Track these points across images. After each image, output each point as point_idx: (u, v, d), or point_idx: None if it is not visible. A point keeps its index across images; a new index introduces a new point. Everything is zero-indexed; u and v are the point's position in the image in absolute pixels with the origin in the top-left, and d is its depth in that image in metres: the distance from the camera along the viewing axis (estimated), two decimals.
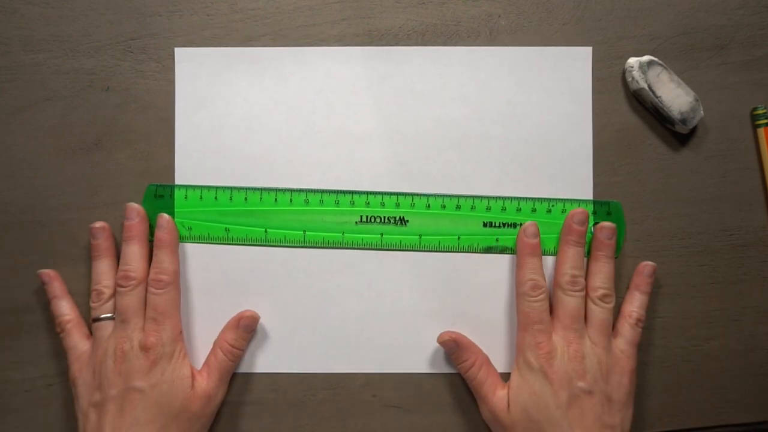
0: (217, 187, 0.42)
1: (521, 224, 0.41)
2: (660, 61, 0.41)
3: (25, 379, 0.42)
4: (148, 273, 0.40)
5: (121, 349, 0.38)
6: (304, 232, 0.42)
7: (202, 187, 0.42)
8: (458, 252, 0.42)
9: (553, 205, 0.42)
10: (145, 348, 0.38)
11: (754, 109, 0.42)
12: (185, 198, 0.42)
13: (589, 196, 0.42)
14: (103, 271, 0.40)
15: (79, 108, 0.42)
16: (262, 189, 0.42)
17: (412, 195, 0.42)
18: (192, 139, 0.42)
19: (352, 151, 0.42)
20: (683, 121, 0.41)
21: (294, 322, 0.42)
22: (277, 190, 0.42)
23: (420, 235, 0.42)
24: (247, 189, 0.42)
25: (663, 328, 0.42)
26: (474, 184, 0.42)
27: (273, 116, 0.42)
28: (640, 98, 0.42)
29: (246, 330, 0.40)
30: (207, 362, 0.40)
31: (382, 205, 0.42)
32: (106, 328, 0.39)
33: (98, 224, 0.40)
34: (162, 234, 0.40)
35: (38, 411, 0.42)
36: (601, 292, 0.39)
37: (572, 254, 0.40)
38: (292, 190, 0.42)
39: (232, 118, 0.42)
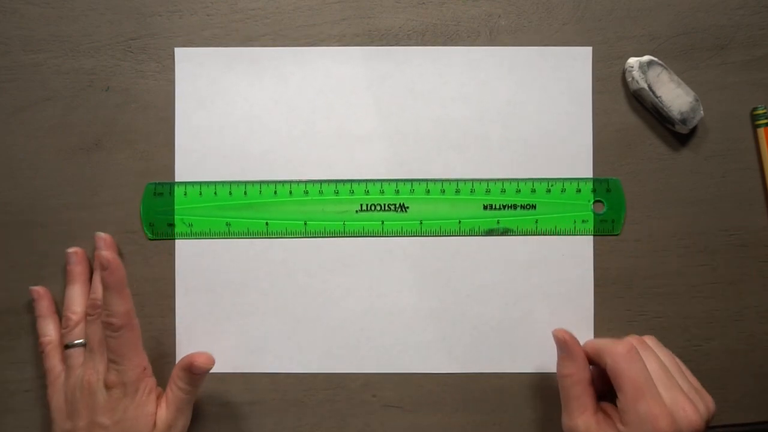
0: (216, 182, 0.42)
1: (521, 205, 0.41)
2: (660, 61, 0.41)
3: (25, 379, 0.42)
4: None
5: (88, 382, 0.37)
6: (305, 223, 0.42)
7: (201, 183, 0.42)
8: (460, 236, 0.42)
9: (552, 185, 0.42)
10: (108, 386, 0.37)
11: (754, 109, 0.42)
12: (184, 195, 0.42)
13: (589, 196, 0.42)
14: (74, 296, 0.40)
15: (79, 108, 0.42)
16: (261, 182, 0.42)
17: (411, 181, 0.42)
18: (192, 139, 0.42)
19: (352, 151, 0.42)
20: (683, 121, 0.41)
21: (294, 322, 0.42)
22: (276, 182, 0.42)
23: (421, 221, 0.42)
24: (246, 182, 0.42)
25: (663, 328, 0.42)
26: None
27: (273, 116, 0.42)
28: (640, 98, 0.42)
29: (197, 374, 0.38)
30: (165, 395, 0.39)
31: (382, 192, 0.42)
32: (76, 357, 0.39)
33: (71, 249, 0.41)
34: (106, 275, 0.37)
35: (38, 411, 0.42)
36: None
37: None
38: (291, 182, 0.42)
39: (232, 118, 0.42)
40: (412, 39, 0.42)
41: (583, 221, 0.42)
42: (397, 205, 0.42)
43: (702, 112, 0.41)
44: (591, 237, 0.42)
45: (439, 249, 0.42)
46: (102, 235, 0.41)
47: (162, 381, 0.39)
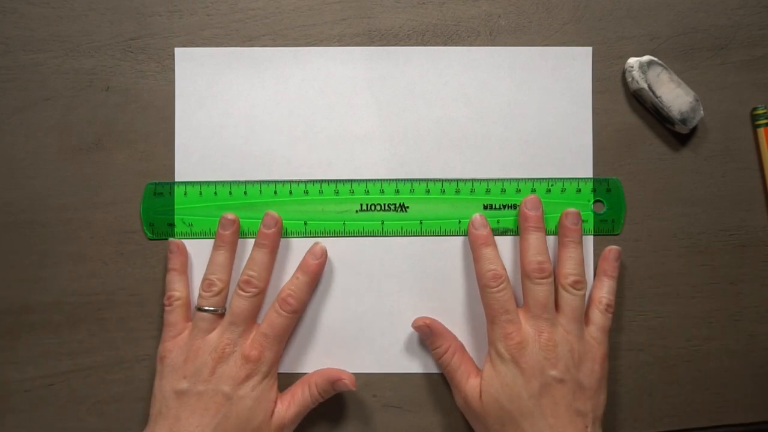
0: (216, 182, 0.42)
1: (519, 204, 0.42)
2: (660, 61, 0.41)
3: (25, 379, 0.42)
4: (268, 283, 0.40)
5: (222, 350, 0.38)
6: (305, 223, 0.42)
7: (201, 183, 0.42)
8: (460, 236, 0.42)
9: (552, 185, 0.42)
10: (246, 358, 0.38)
11: (754, 109, 0.42)
12: (184, 195, 0.42)
13: (589, 196, 0.42)
14: (221, 263, 0.40)
15: (79, 108, 0.42)
16: (261, 182, 0.42)
17: (411, 181, 0.42)
18: (192, 139, 0.42)
19: (352, 151, 0.42)
20: (683, 121, 0.41)
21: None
22: (276, 182, 0.42)
23: (421, 221, 0.42)
24: (246, 182, 0.42)
25: (663, 328, 0.42)
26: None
27: (273, 116, 0.42)
28: (640, 98, 0.42)
29: (337, 390, 0.40)
30: (293, 393, 0.39)
31: (382, 192, 0.42)
32: (207, 321, 0.39)
33: (230, 216, 0.40)
34: (313, 265, 0.40)
35: (38, 411, 0.42)
36: (572, 278, 0.39)
37: (533, 240, 0.40)
38: (291, 182, 0.42)
39: (232, 118, 0.42)
40: (412, 39, 0.42)
41: (583, 221, 0.42)
42: (397, 205, 0.42)
43: (702, 112, 0.41)
44: (591, 237, 0.42)
45: (439, 249, 0.42)
46: (273, 213, 0.40)
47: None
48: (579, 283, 0.39)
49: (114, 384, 0.42)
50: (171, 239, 0.41)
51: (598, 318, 0.40)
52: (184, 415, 0.37)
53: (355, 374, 0.42)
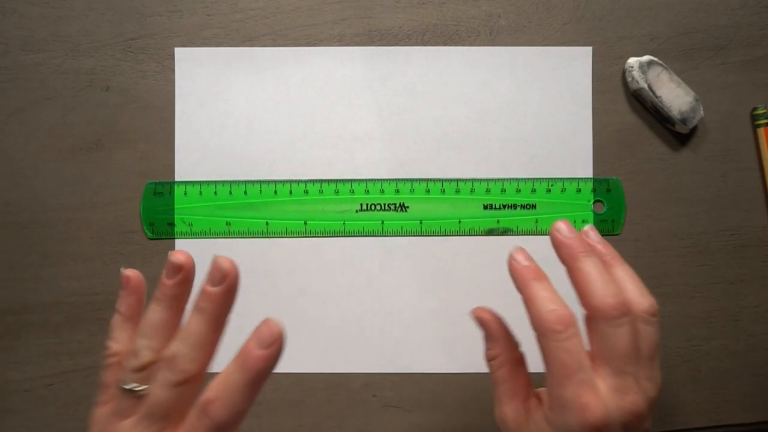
0: (216, 182, 0.42)
1: (521, 205, 0.41)
2: (660, 61, 0.41)
3: (25, 379, 0.42)
4: (205, 369, 0.29)
5: None
6: (305, 222, 0.42)
7: (201, 183, 0.42)
8: (460, 236, 0.42)
9: (552, 185, 0.42)
10: None
11: (754, 109, 0.42)
12: (184, 194, 0.42)
13: (589, 196, 0.42)
14: (155, 325, 0.29)
15: (79, 108, 0.42)
16: (261, 181, 0.42)
17: (411, 181, 0.42)
18: (192, 139, 0.42)
19: (352, 152, 0.42)
20: (683, 121, 0.41)
21: (294, 322, 0.42)
22: (276, 181, 0.42)
23: (421, 221, 0.42)
24: (246, 182, 0.42)
25: (663, 328, 0.42)
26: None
27: (273, 116, 0.42)
28: (640, 98, 0.42)
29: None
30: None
31: (382, 192, 0.42)
32: (127, 400, 0.29)
33: (181, 257, 0.29)
34: (255, 353, 0.29)
35: (38, 411, 0.42)
36: (646, 304, 0.30)
37: (593, 270, 0.30)
38: (291, 181, 0.42)
39: (232, 118, 0.42)
40: (412, 39, 0.42)
41: (583, 221, 0.42)
42: (397, 205, 0.42)
43: (702, 112, 0.41)
44: None
45: (439, 249, 0.42)
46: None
47: None
48: (653, 308, 0.30)
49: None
50: (125, 270, 0.30)
51: (648, 332, 0.30)
52: None
53: (355, 374, 0.42)
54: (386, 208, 0.42)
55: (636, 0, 0.42)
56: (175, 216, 0.42)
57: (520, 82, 0.42)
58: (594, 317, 0.30)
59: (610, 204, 0.42)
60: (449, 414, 0.42)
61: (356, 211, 0.42)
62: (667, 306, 0.42)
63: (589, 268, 0.30)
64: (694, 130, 0.42)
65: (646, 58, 0.41)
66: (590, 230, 0.33)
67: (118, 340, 0.30)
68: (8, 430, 0.42)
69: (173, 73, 0.42)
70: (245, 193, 0.42)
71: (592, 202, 0.42)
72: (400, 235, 0.42)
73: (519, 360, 0.33)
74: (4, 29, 0.42)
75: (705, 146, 0.42)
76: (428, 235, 0.42)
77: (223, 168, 0.42)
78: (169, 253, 0.29)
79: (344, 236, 0.42)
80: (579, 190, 0.42)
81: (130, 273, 0.30)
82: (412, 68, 0.42)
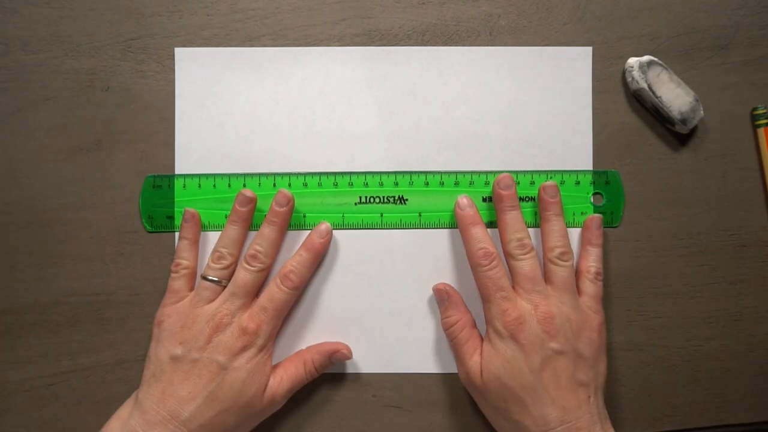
0: (215, 175, 0.42)
1: (521, 197, 0.42)
2: (660, 61, 0.41)
3: (25, 379, 0.42)
4: (274, 261, 0.41)
5: (220, 320, 0.38)
6: (304, 215, 0.42)
7: (200, 176, 0.42)
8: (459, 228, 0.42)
9: (551, 177, 0.42)
10: (243, 330, 0.38)
11: (754, 109, 0.42)
12: (184, 187, 0.42)
13: (588, 189, 0.42)
14: (233, 238, 0.40)
15: (79, 108, 0.42)
16: (260, 174, 0.42)
17: (410, 173, 0.42)
18: (192, 139, 0.42)
19: (352, 152, 0.42)
20: (683, 121, 0.41)
21: (294, 322, 0.42)
22: (275, 174, 0.42)
23: (420, 213, 0.42)
24: (245, 175, 0.42)
25: (663, 328, 0.42)
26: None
27: (273, 116, 0.42)
28: (640, 98, 0.42)
29: (334, 362, 0.41)
30: (286, 368, 0.40)
31: (381, 184, 0.42)
32: (209, 290, 0.39)
33: (249, 193, 0.40)
34: (318, 241, 0.41)
35: (38, 411, 0.42)
36: (558, 250, 0.39)
37: (510, 219, 0.40)
38: (290, 174, 0.42)
39: (232, 118, 0.42)
40: (412, 39, 0.42)
41: (582, 213, 0.42)
42: (396, 198, 0.42)
43: (702, 112, 0.41)
44: None
45: (438, 241, 0.42)
46: (286, 192, 0.40)
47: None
48: (565, 255, 0.39)
49: (114, 384, 0.42)
50: (187, 208, 0.41)
51: (590, 287, 0.40)
52: (177, 380, 0.37)
53: (355, 374, 0.42)
54: (385, 200, 0.42)
55: (636, 0, 0.42)
56: (175, 209, 0.42)
57: (520, 82, 0.42)
58: (506, 255, 0.40)
59: (609, 196, 0.42)
60: (449, 414, 0.42)
61: (355, 203, 0.42)
62: (667, 306, 0.42)
63: (508, 219, 0.40)
64: (694, 130, 0.42)
65: (646, 58, 0.41)
66: (549, 187, 0.41)
67: (187, 258, 0.41)
68: (8, 430, 0.42)
69: (173, 73, 0.42)
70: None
71: (591, 195, 0.42)
72: (399, 228, 0.42)
73: (473, 323, 0.41)
74: (4, 29, 0.42)
75: (705, 146, 0.42)
76: (427, 228, 0.42)
77: (223, 168, 0.42)
78: (241, 190, 0.40)
79: (343, 229, 0.42)
80: (578, 183, 0.42)
81: (193, 210, 0.41)
82: (412, 68, 0.42)
